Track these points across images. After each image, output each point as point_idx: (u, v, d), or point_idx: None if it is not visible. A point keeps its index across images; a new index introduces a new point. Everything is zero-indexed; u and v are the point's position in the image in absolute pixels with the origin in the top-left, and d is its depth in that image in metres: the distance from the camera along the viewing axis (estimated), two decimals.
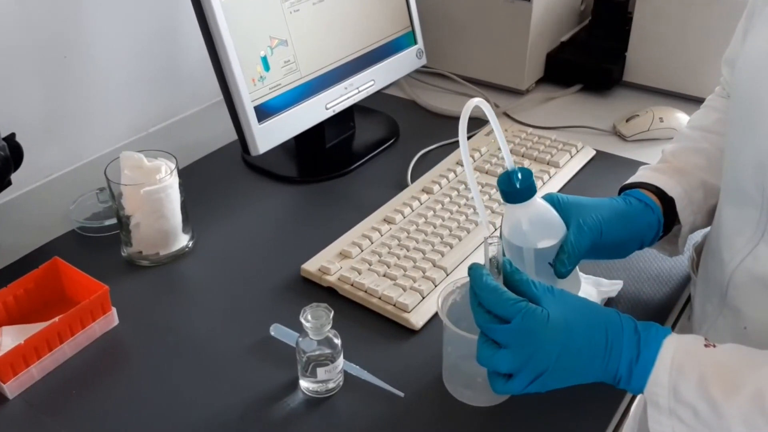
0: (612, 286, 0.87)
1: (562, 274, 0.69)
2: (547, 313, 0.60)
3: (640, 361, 0.59)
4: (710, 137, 0.83)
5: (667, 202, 0.78)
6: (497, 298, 0.61)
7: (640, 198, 0.77)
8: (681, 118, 1.20)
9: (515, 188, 0.66)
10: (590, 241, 0.71)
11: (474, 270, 0.64)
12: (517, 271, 0.64)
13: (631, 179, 0.82)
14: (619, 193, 0.81)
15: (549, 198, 0.73)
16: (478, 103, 0.64)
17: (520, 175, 0.66)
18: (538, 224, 0.69)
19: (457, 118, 1.34)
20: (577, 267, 0.72)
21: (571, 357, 0.60)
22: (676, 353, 0.58)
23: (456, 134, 1.24)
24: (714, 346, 0.59)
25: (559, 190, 1.06)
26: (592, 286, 0.87)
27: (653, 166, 0.83)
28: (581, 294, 0.85)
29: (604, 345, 0.60)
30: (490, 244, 0.65)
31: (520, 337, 0.60)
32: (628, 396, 0.77)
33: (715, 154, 0.81)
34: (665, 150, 0.86)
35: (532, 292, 0.62)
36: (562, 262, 0.69)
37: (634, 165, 1.10)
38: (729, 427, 0.55)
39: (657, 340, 0.59)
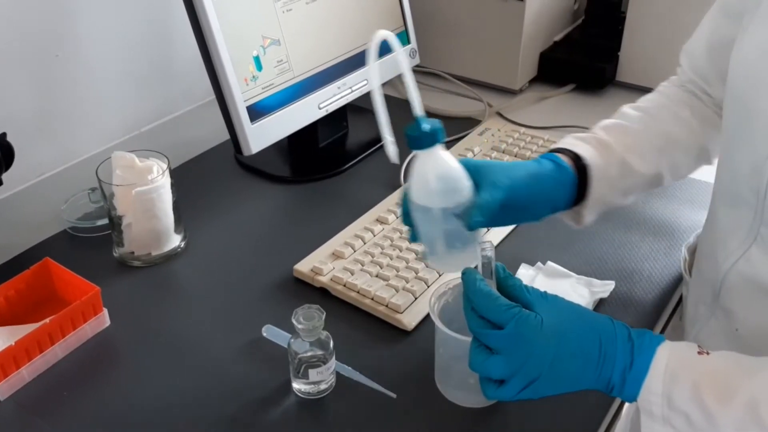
0: (604, 287, 0.87)
1: (472, 226, 0.66)
2: (541, 318, 0.60)
3: (634, 368, 0.59)
4: (647, 120, 0.82)
5: (583, 170, 0.75)
6: (490, 303, 0.61)
7: (553, 159, 0.75)
8: None
9: (420, 131, 0.63)
10: (502, 195, 0.68)
11: (467, 275, 0.63)
12: (511, 276, 0.64)
13: (553, 145, 0.80)
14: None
15: (461, 160, 0.69)
16: (385, 35, 0.63)
17: (427, 123, 0.64)
18: (447, 182, 0.66)
19: (451, 118, 1.33)
20: (479, 237, 0.69)
21: (564, 364, 0.59)
22: (669, 361, 0.58)
23: (449, 133, 1.23)
24: (707, 353, 0.58)
25: None
26: (584, 287, 0.87)
27: (578, 134, 0.81)
28: (574, 294, 0.86)
29: (597, 352, 0.60)
30: (483, 248, 0.65)
31: (513, 343, 0.59)
32: None
33: (644, 137, 0.80)
34: (598, 124, 0.84)
35: (525, 297, 0.62)
36: (474, 213, 0.65)
37: None
38: None
39: (650, 348, 0.59)
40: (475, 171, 0.68)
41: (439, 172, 0.65)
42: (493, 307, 0.60)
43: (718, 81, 0.80)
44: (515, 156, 1.12)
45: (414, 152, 0.65)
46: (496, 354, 0.60)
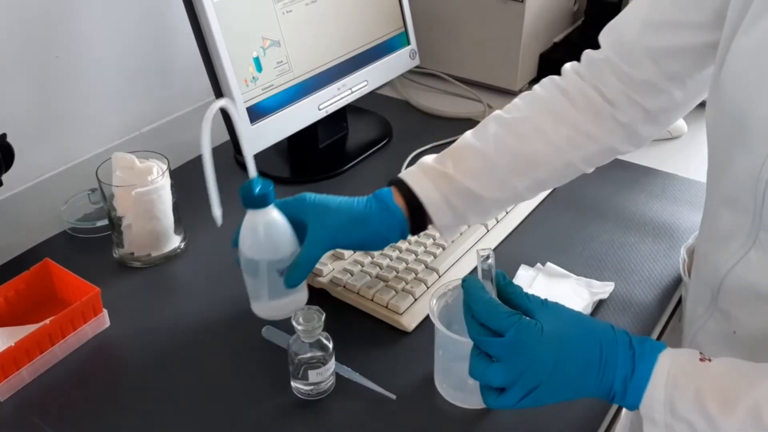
0: (603, 288, 0.87)
1: (291, 285, 0.74)
2: (541, 326, 0.60)
3: (635, 376, 0.58)
4: (504, 139, 0.80)
5: (421, 205, 0.78)
6: (491, 311, 0.61)
7: (384, 201, 0.78)
8: None
9: (253, 195, 0.72)
10: (322, 252, 0.76)
11: (468, 283, 0.64)
12: (511, 284, 0.64)
13: (401, 174, 0.81)
14: (388, 184, 0.81)
15: (299, 197, 0.77)
16: (224, 104, 0.70)
17: (260, 185, 0.73)
18: (275, 236, 0.74)
19: (450, 119, 1.33)
20: (300, 288, 0.77)
21: (565, 371, 0.59)
22: (671, 368, 0.57)
23: (448, 135, 1.23)
24: (709, 360, 0.58)
25: (553, 190, 1.06)
26: (583, 288, 0.87)
27: (425, 162, 0.81)
28: (573, 296, 0.86)
29: (598, 359, 0.59)
30: (483, 255, 0.65)
31: (514, 351, 0.59)
32: None
33: (495, 161, 0.79)
34: (458, 141, 0.83)
35: (525, 304, 0.62)
36: (292, 273, 0.73)
37: (626, 165, 1.11)
38: None
39: (652, 355, 0.58)
40: (308, 209, 0.76)
41: (268, 230, 0.74)
42: (494, 314, 0.60)
43: (646, 59, 0.77)
44: None
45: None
46: (497, 362, 0.60)
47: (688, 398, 0.56)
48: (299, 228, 0.76)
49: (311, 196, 0.78)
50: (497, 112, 0.84)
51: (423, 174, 0.80)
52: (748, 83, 0.62)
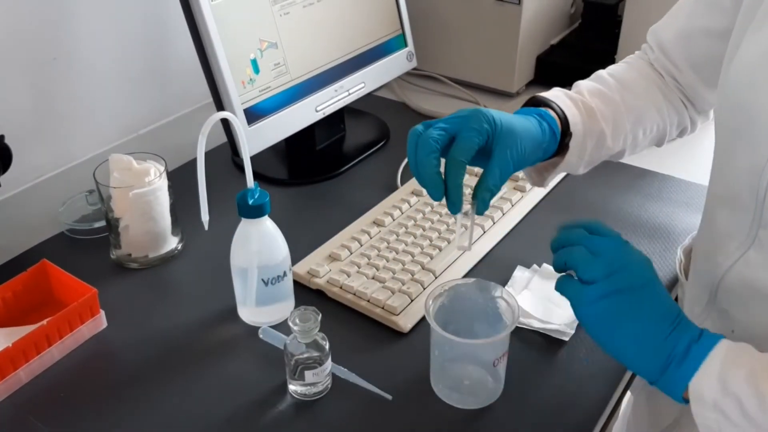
0: None
1: (481, 211, 0.69)
2: (638, 253, 0.63)
3: (700, 343, 0.58)
4: (623, 92, 0.81)
5: (564, 134, 0.76)
6: (601, 226, 0.64)
7: (553, 128, 0.74)
8: None
9: (249, 205, 0.76)
10: (510, 174, 0.70)
11: (567, 224, 0.67)
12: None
13: (550, 96, 0.78)
14: (531, 102, 0.78)
15: (486, 117, 0.68)
16: (225, 116, 0.74)
17: (256, 195, 0.76)
18: (265, 246, 0.79)
19: None
20: (286, 298, 0.83)
21: (650, 299, 0.60)
22: (729, 348, 0.58)
23: None
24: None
25: (549, 192, 1.06)
26: None
27: (570, 93, 0.80)
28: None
29: (676, 314, 0.60)
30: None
31: (618, 249, 0.62)
32: (615, 397, 0.77)
33: (621, 111, 0.80)
34: (581, 84, 0.82)
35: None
36: (484, 198, 0.68)
37: (621, 166, 1.11)
38: None
39: (714, 336, 0.59)
40: (499, 134, 0.68)
41: (260, 239, 0.78)
42: (603, 228, 0.64)
43: (686, 67, 0.80)
44: None
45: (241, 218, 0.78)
46: (597, 256, 0.62)
47: (742, 375, 0.55)
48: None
49: (494, 113, 0.70)
50: (605, 70, 0.85)
51: (573, 103, 0.78)
52: (756, 80, 0.63)
